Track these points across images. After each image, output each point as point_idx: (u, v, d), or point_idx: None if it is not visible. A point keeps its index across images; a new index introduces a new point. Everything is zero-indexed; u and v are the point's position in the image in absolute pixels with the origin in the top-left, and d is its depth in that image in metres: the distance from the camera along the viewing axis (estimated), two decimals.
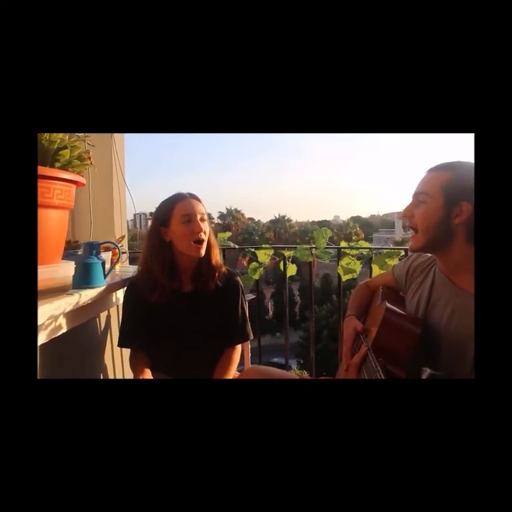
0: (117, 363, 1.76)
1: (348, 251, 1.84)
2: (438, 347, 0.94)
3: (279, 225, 35.87)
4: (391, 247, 1.75)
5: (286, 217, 37.18)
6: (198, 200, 1.33)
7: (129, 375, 1.49)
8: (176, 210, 1.28)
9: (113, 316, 1.74)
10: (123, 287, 1.42)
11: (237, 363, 1.41)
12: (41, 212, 0.96)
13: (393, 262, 1.70)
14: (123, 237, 1.68)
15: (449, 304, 0.96)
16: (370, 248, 1.81)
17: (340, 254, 1.86)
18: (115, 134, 1.77)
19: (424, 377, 0.69)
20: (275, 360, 13.21)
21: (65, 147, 1.03)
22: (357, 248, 1.82)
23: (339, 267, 1.83)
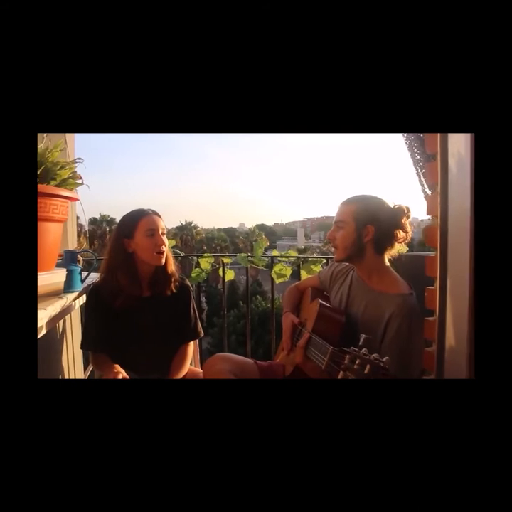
0: (70, 364, 1.86)
1: (280, 259, 2.18)
2: (356, 329, 1.29)
3: (186, 231, 35.52)
4: (315, 256, 2.12)
5: (192, 224, 36.89)
6: (159, 216, 1.53)
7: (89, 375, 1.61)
8: (140, 225, 1.46)
9: (67, 320, 1.84)
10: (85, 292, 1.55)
11: (191, 356, 1.65)
12: (43, 226, 1.11)
13: (317, 267, 2.08)
14: (82, 245, 1.80)
15: (363, 300, 1.32)
16: (298, 257, 2.18)
17: (273, 262, 2.20)
18: (68, 144, 1.86)
19: (361, 339, 0.98)
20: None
21: (63, 167, 1.18)
22: (287, 257, 2.18)
23: (273, 272, 2.16)
